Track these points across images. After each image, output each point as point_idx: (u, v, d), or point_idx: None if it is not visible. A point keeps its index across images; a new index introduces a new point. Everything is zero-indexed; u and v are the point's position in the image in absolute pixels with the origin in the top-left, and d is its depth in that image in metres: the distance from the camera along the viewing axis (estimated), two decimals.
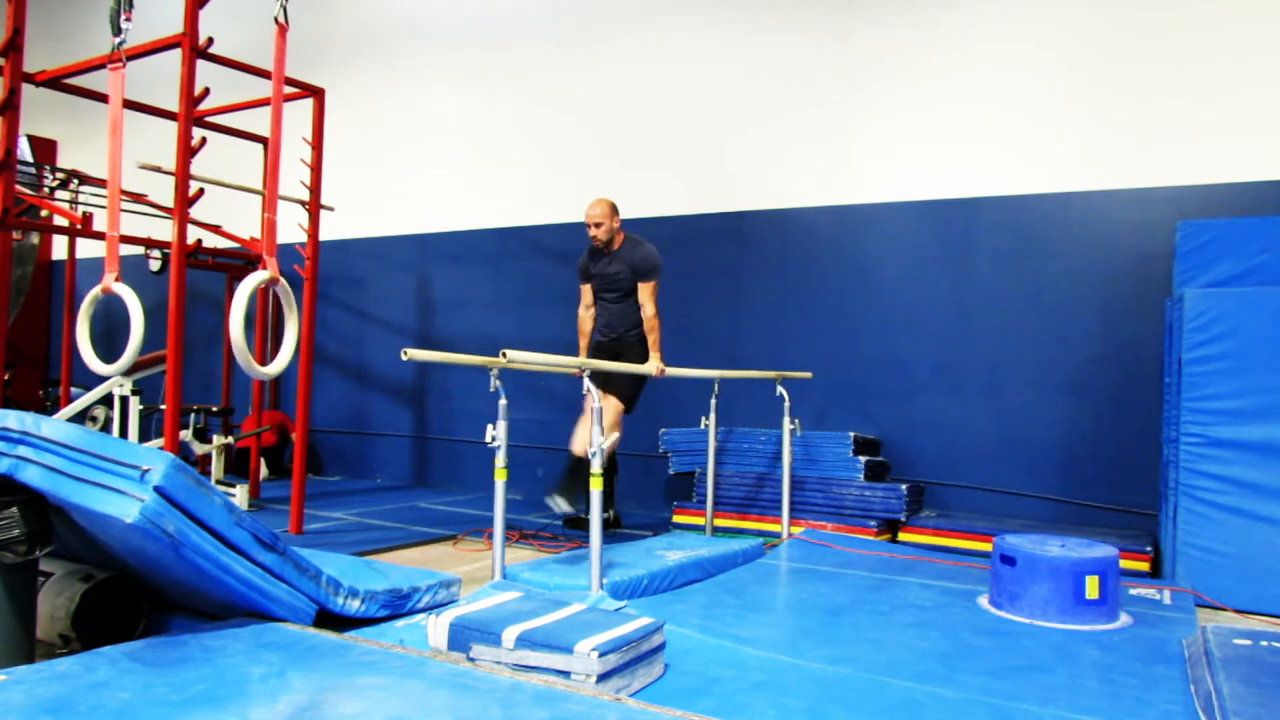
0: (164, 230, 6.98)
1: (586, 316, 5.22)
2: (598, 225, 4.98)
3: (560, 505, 4.96)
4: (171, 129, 5.08)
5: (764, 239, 6.96)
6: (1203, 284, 4.80)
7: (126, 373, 6.42)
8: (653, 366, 4.81)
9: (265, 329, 7.85)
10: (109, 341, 7.08)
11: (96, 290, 4.13)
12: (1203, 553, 4.45)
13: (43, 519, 2.75)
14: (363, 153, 8.70)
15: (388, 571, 3.79)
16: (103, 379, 5.35)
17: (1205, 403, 4.49)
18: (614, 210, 5.06)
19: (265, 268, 3.86)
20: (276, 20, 3.94)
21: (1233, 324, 4.47)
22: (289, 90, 5.96)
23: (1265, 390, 4.37)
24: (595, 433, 3.81)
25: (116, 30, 4.10)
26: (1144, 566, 4.92)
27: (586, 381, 3.92)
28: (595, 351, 5.11)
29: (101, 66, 5.23)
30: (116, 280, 4.05)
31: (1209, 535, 4.44)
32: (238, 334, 3.66)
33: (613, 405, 4.97)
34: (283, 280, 3.93)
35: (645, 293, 4.91)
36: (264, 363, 4.52)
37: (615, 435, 4.62)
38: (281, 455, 8.37)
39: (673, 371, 5.12)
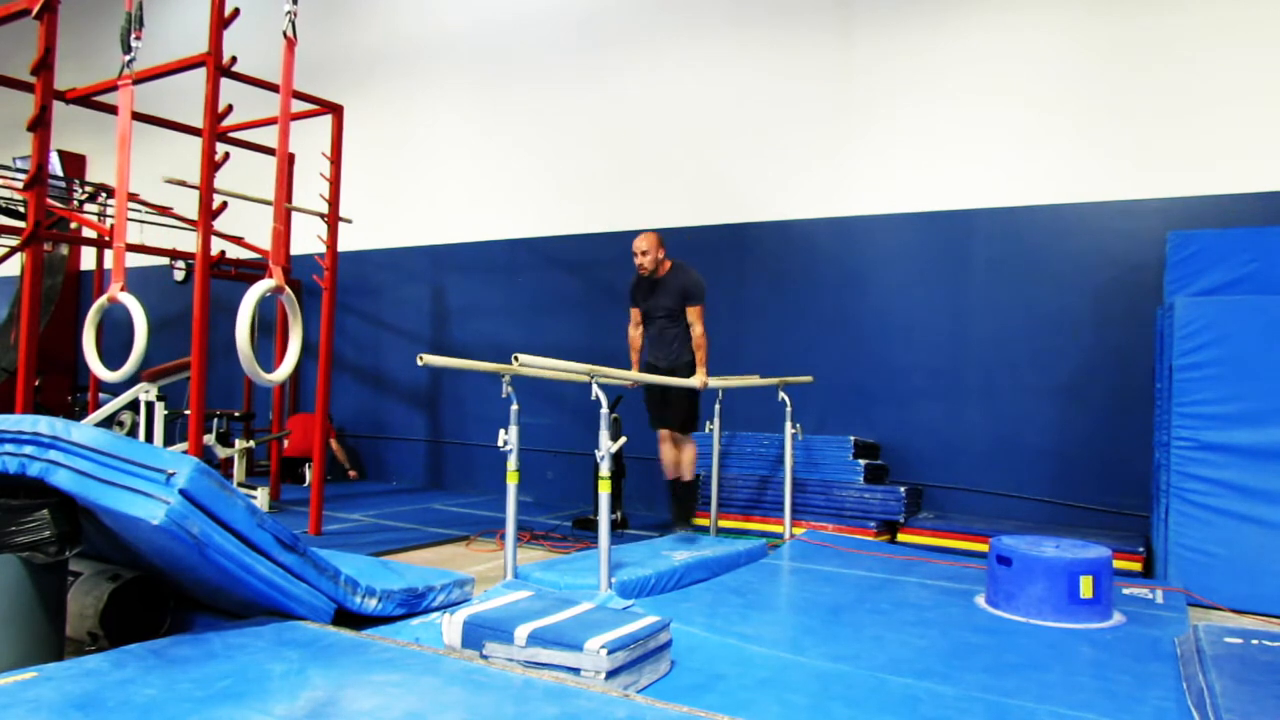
0: (189, 242, 7.12)
1: (636, 335, 5.44)
2: (644, 254, 5.12)
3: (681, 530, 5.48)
4: (196, 144, 5.20)
5: (765, 250, 7.06)
6: (1192, 293, 4.84)
7: (153, 380, 6.61)
8: (697, 380, 5.08)
9: (284, 336, 7.98)
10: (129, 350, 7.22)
11: (103, 300, 4.20)
12: (1194, 553, 4.49)
13: (72, 521, 2.82)
14: (380, 167, 8.84)
15: (403, 571, 3.87)
16: (125, 385, 5.41)
17: (1195, 408, 4.53)
18: (660, 242, 5.19)
19: (271, 276, 3.88)
20: (285, 35, 4.02)
21: (1222, 331, 4.51)
22: (308, 107, 6.11)
23: (1254, 395, 4.41)
24: (603, 436, 3.93)
25: (127, 49, 4.21)
26: (1136, 567, 4.96)
27: (596, 389, 4.04)
28: (649, 373, 5.25)
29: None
30: (123, 290, 4.10)
31: (1200, 536, 4.48)
32: (244, 341, 3.71)
33: (681, 438, 5.41)
34: (288, 289, 3.95)
35: (694, 314, 5.12)
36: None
37: (689, 451, 5.42)
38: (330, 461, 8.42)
39: (688, 381, 5.20)
